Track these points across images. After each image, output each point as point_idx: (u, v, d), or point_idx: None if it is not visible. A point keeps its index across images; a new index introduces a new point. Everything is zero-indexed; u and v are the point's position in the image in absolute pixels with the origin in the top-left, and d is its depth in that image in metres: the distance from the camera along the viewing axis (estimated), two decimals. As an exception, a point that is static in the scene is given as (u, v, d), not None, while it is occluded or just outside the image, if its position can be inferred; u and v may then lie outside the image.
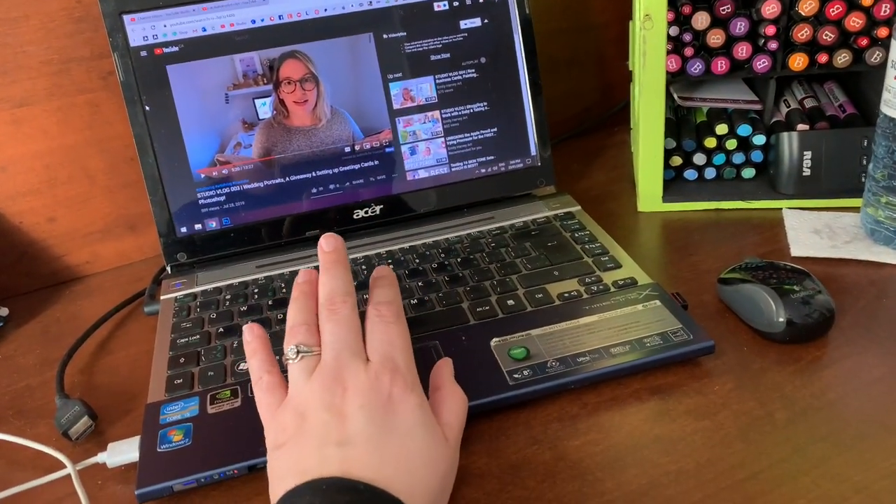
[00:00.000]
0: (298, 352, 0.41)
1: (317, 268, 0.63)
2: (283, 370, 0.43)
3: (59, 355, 0.58)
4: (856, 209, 0.63)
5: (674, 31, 0.66)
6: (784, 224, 0.64)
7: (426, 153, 0.68)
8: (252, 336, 0.45)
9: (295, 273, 0.62)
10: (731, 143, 0.70)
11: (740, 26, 0.65)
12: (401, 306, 0.45)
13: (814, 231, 0.62)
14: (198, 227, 0.65)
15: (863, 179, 0.63)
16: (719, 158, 0.70)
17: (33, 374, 0.58)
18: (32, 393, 0.56)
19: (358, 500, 0.34)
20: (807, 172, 0.66)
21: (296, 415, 0.39)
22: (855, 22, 0.63)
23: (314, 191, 0.66)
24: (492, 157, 0.69)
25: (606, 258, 0.59)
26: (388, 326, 0.43)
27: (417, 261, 0.62)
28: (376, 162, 0.67)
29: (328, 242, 0.46)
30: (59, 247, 0.71)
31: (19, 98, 0.66)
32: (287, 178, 0.66)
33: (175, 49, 0.63)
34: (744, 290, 0.53)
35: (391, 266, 0.61)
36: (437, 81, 0.67)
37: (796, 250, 0.60)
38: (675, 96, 0.74)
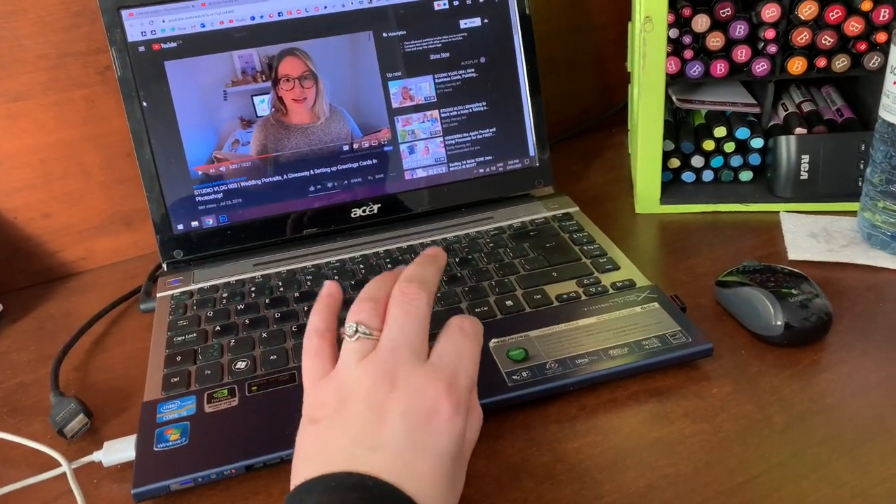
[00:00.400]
0: (357, 331, 0.39)
1: (315, 267, 0.63)
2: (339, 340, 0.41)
3: (54, 352, 0.57)
4: (853, 213, 0.63)
5: (673, 33, 0.66)
6: (781, 227, 0.64)
7: (425, 152, 0.68)
8: (327, 293, 0.43)
9: (292, 272, 0.62)
10: (730, 146, 0.70)
11: (740, 29, 0.65)
12: (482, 331, 0.42)
13: (811, 235, 0.62)
14: (194, 224, 0.65)
15: (860, 184, 0.64)
16: (717, 161, 0.70)
17: (27, 371, 0.58)
18: (27, 390, 0.56)
19: (367, 497, 0.33)
20: (804, 176, 0.66)
21: (338, 396, 0.37)
22: (854, 26, 0.63)
23: (312, 189, 0.66)
24: (490, 157, 0.69)
25: (605, 260, 0.59)
26: (464, 339, 0.40)
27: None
28: (375, 161, 0.67)
29: (431, 248, 0.45)
30: (55, 242, 0.70)
31: (15, 92, 0.65)
32: (285, 176, 0.66)
33: (173, 45, 0.62)
34: (742, 294, 0.53)
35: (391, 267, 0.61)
36: (437, 81, 0.67)
37: (793, 254, 0.60)
38: (674, 98, 0.74)
